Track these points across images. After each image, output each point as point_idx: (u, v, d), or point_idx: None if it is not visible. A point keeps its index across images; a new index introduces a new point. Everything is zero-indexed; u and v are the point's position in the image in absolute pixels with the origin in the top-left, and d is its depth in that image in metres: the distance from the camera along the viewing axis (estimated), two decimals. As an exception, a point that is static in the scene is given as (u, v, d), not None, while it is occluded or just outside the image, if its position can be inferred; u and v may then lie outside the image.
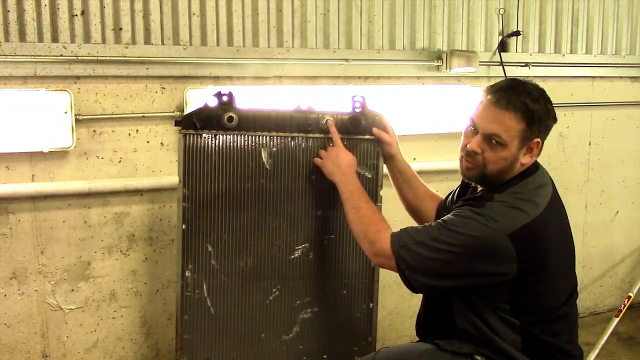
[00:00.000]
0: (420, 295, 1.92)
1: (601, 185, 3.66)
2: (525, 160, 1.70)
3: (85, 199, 2.56)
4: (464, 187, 1.92)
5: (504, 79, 1.78)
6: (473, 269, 1.58)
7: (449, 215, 1.65)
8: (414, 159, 3.05)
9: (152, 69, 2.55)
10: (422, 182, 2.13)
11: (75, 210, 2.57)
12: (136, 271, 2.70)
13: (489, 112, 1.65)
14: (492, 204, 1.61)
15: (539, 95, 1.68)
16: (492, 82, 1.79)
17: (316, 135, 2.03)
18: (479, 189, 1.80)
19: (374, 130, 2.05)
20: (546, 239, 1.62)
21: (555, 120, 1.71)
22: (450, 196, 2.04)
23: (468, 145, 1.70)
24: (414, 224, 1.97)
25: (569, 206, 1.82)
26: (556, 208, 1.71)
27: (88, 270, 2.63)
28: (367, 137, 2.06)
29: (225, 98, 2.01)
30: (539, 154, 1.72)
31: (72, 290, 2.62)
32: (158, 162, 2.66)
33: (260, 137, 2.01)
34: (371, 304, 2.10)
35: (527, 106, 1.63)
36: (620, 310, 3.11)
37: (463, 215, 1.61)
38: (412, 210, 2.13)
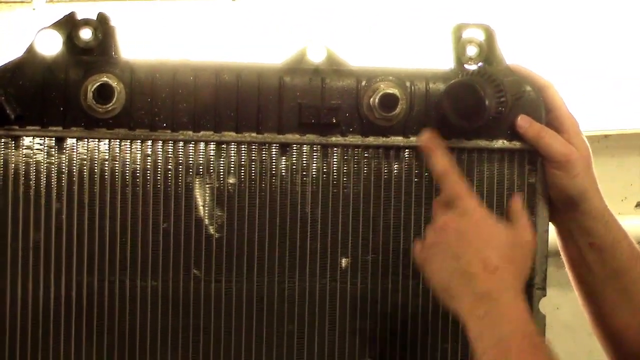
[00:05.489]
0: None
1: None
2: None
3: None
4: None
5: None
6: None
7: None
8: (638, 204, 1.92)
9: None
10: None
11: None
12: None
13: None
14: None
15: None
16: None
17: (356, 138, 1.13)
18: None
19: (521, 123, 1.16)
20: None
21: None
22: None
23: None
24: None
25: None
26: None
27: None
28: (500, 143, 1.15)
29: (86, 34, 1.15)
30: None
31: None
32: None
33: (195, 144, 1.13)
34: None
35: None
36: None
37: None
38: (611, 335, 1.40)
